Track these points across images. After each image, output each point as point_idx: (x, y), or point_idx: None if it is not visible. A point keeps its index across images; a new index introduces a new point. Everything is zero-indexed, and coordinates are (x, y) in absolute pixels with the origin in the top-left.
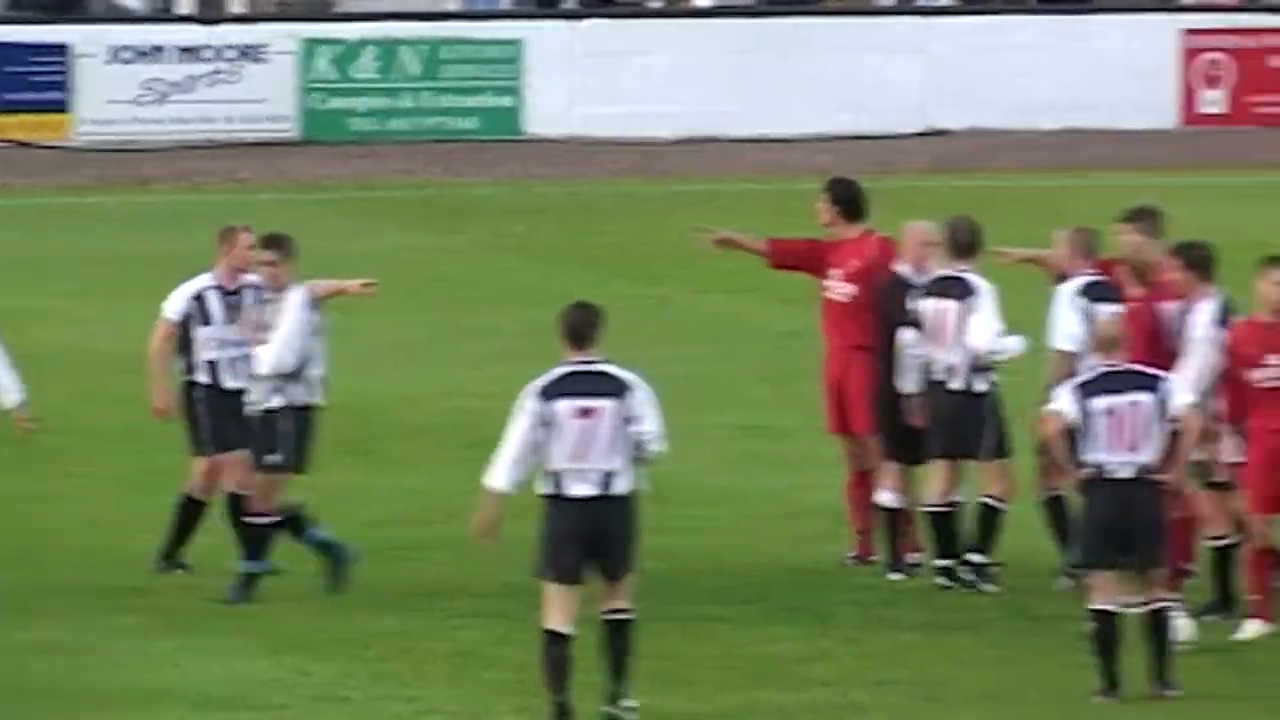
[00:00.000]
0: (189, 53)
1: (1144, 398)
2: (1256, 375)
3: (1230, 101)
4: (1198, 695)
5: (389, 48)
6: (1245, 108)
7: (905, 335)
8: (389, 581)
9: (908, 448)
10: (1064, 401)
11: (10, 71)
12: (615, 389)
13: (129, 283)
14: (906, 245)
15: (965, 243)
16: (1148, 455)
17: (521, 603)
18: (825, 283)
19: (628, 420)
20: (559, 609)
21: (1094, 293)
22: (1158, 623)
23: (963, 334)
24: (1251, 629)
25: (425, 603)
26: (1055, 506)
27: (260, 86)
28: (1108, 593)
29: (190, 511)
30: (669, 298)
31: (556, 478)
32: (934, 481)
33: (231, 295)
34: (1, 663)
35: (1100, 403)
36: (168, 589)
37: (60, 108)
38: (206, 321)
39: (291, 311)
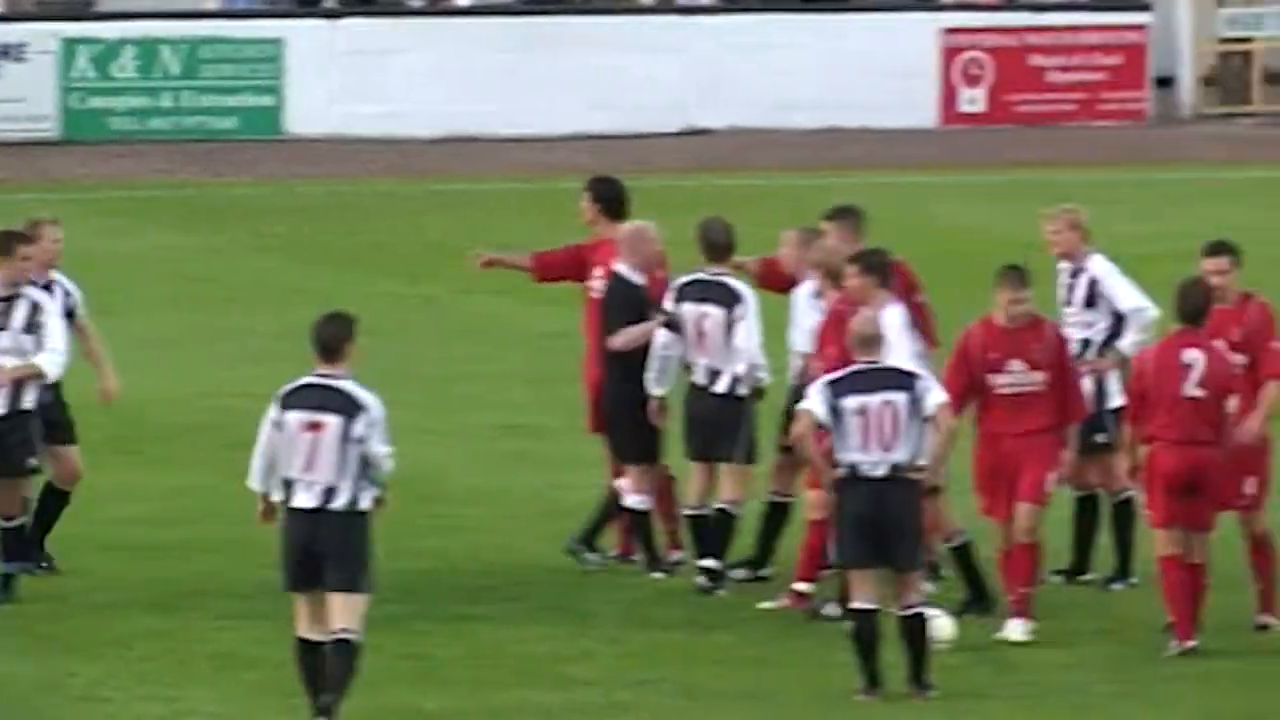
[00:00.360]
0: None
1: (897, 396)
2: (999, 380)
3: (990, 100)
4: (957, 693)
5: (149, 47)
6: (1005, 106)
7: (660, 337)
8: (151, 582)
9: (652, 448)
10: (814, 400)
11: None
12: (346, 406)
13: None
14: (623, 244)
15: (721, 243)
16: (901, 454)
17: (283, 603)
18: (589, 282)
19: (355, 439)
20: (300, 615)
21: None
22: (913, 624)
23: (730, 340)
24: (1013, 628)
25: (187, 603)
26: (775, 510)
27: (20, 86)
28: (866, 592)
29: (53, 502)
30: (436, 298)
31: (287, 485)
32: (691, 483)
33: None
34: None
35: (852, 401)
36: None
37: None
38: None
39: (57, 312)
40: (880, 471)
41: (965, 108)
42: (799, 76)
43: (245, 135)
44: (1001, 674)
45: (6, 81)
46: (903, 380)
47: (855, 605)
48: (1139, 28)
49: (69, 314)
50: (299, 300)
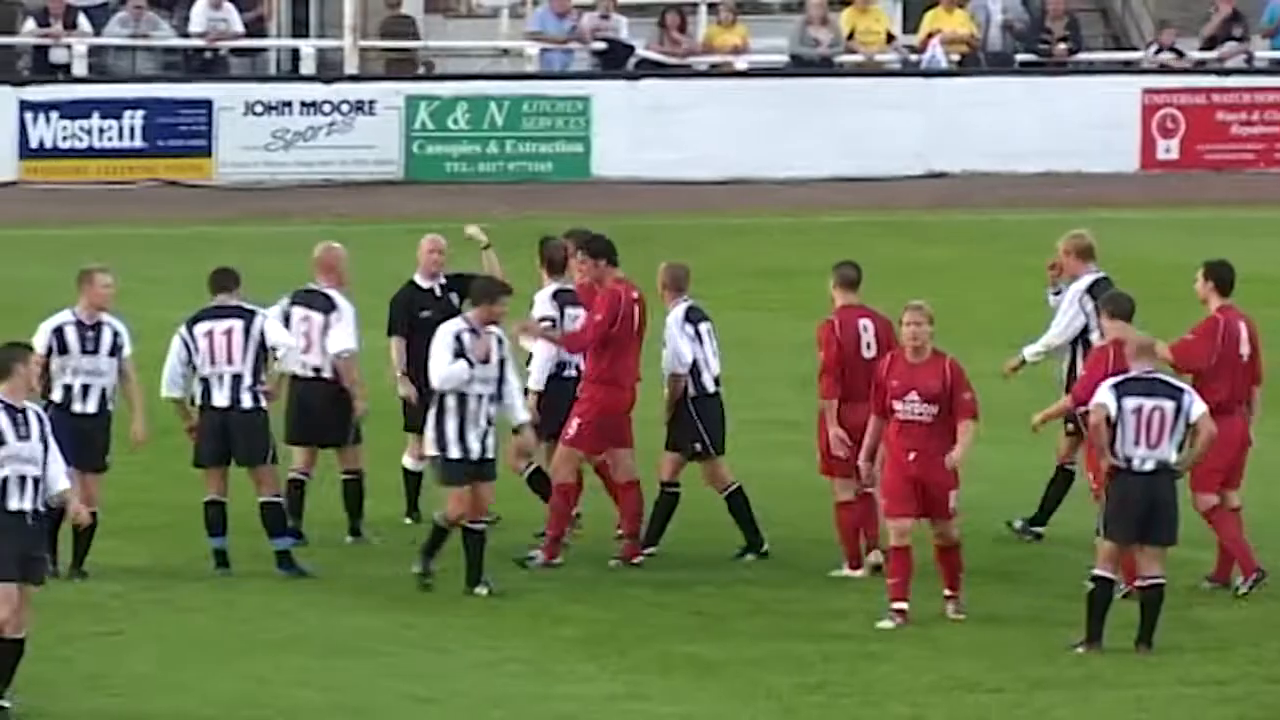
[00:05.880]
0: (310, 107)
1: (1165, 403)
2: None
3: (1182, 149)
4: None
5: (479, 103)
6: (1196, 154)
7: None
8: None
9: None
10: (1106, 396)
11: (163, 122)
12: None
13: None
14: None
15: (559, 260)
16: (1166, 453)
17: (592, 569)
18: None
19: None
20: None
21: None
22: (1153, 594)
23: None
24: None
25: (505, 567)
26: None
27: (370, 135)
28: (1113, 564)
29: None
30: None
31: None
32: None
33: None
34: None
35: (1131, 402)
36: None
37: (205, 152)
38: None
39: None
40: (1150, 466)
41: (1162, 155)
42: (1023, 129)
43: (559, 178)
44: (1194, 631)
45: (359, 131)
46: (1170, 391)
47: (1100, 573)
48: None
49: (116, 352)
50: None
